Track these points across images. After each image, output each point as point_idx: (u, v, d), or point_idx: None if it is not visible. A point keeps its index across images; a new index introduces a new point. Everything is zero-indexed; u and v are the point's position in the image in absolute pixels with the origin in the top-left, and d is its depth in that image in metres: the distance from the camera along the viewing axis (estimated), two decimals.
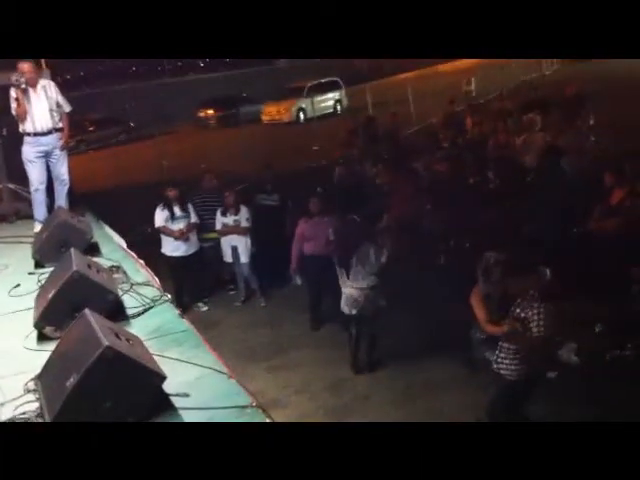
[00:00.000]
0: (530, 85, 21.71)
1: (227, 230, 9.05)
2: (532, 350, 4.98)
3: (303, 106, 28.20)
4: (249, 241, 9.09)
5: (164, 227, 8.83)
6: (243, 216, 9.01)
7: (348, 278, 6.93)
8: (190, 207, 8.98)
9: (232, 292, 9.69)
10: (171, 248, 8.92)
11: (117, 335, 3.02)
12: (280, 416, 6.02)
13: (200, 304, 9.31)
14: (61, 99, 6.86)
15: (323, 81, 30.04)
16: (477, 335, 5.95)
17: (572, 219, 7.57)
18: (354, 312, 6.93)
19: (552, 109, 12.95)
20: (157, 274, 5.20)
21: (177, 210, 8.84)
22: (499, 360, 5.20)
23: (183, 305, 8.58)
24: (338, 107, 29.94)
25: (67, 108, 6.94)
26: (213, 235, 9.28)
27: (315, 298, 8.44)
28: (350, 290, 6.91)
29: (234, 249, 9.08)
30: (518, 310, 5.03)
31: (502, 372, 5.18)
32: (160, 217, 8.84)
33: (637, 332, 6.57)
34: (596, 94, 16.54)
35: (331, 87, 30.27)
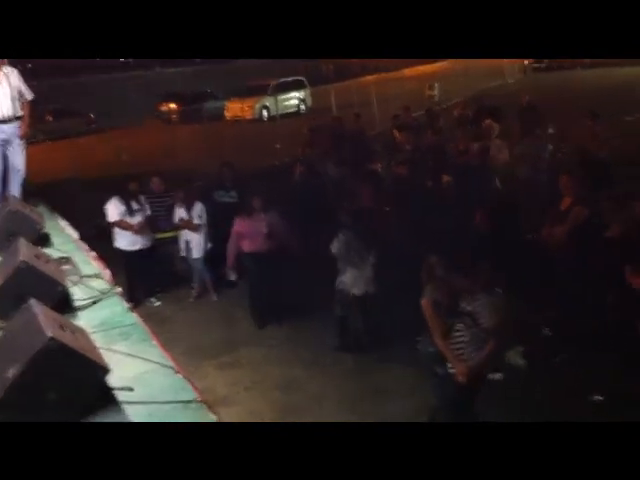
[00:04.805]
0: (486, 93, 22.15)
1: (180, 225, 9.05)
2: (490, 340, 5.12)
3: (267, 104, 28.19)
4: (202, 237, 9.08)
5: (121, 221, 8.72)
6: (195, 212, 9.00)
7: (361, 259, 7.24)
8: (143, 199, 8.92)
9: (193, 289, 9.59)
10: (128, 242, 8.82)
11: (62, 327, 2.98)
12: (229, 413, 6.03)
13: (153, 299, 9.24)
14: (24, 87, 6.72)
15: (288, 80, 30.09)
16: (426, 349, 5.86)
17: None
18: (366, 291, 7.26)
19: (510, 117, 13.21)
20: (109, 268, 5.14)
21: (134, 204, 8.76)
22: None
23: (136, 300, 8.52)
24: (302, 107, 30.01)
25: (29, 96, 6.80)
26: (161, 235, 9.29)
27: (257, 296, 8.48)
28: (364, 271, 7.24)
29: (187, 243, 9.08)
30: (464, 304, 5.16)
31: (451, 371, 5.26)
32: (116, 211, 8.72)
33: (585, 337, 6.74)
34: (559, 103, 16.90)
35: (296, 86, 30.34)
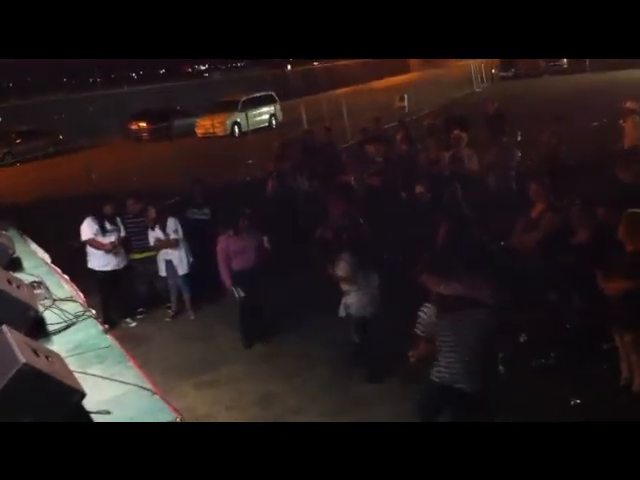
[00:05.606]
0: (456, 102, 22.37)
1: (159, 245, 8.95)
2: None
3: (238, 120, 28.17)
4: (183, 253, 9.00)
5: (93, 240, 8.65)
6: (170, 229, 8.92)
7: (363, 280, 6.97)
8: (118, 220, 8.85)
9: (170, 309, 9.44)
10: (101, 262, 8.74)
11: (36, 352, 2.94)
12: None
13: (128, 320, 9.13)
14: None
15: (258, 95, 30.15)
16: None
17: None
18: (369, 313, 6.99)
19: (478, 126, 13.35)
20: (82, 290, 5.08)
21: (107, 224, 8.70)
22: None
23: (111, 321, 8.42)
24: (273, 121, 30.04)
25: None
26: (138, 255, 9.21)
27: (247, 314, 8.30)
28: (370, 290, 6.99)
29: (169, 263, 8.98)
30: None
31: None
32: (89, 230, 8.66)
33: (559, 341, 6.80)
34: (527, 111, 17.11)
35: (266, 101, 30.39)
